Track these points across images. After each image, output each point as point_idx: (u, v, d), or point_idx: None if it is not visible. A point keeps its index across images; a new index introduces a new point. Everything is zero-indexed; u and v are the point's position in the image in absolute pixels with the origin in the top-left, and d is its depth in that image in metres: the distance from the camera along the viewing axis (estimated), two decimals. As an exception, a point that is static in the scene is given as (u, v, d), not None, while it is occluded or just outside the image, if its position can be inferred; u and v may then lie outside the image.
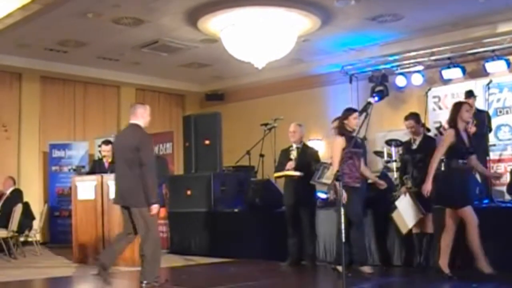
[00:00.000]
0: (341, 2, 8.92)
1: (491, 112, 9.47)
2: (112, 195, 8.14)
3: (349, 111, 6.82)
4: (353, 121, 6.69)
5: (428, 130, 8.71)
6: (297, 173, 7.63)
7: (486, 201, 7.80)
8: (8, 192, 10.33)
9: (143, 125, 6.32)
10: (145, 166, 6.03)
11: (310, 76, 12.81)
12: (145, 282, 6.04)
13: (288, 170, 7.71)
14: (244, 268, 7.70)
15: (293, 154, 7.78)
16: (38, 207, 11.27)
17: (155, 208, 6.07)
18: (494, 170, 9.35)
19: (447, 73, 10.61)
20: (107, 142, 9.38)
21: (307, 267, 7.71)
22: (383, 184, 7.00)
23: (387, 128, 11.06)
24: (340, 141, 6.65)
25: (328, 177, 7.24)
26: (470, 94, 9.08)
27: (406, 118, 7.16)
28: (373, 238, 7.63)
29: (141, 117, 6.31)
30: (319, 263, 7.92)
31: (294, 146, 7.88)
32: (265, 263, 7.04)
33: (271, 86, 13.40)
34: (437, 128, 10.58)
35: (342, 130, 6.73)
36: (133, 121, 6.32)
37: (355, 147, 6.61)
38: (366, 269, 6.67)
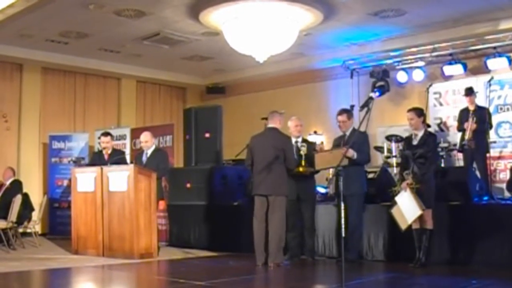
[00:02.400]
0: (343, -3, 8.91)
1: (492, 109, 9.47)
2: (112, 187, 8.19)
3: None
4: None
5: (429, 126, 8.70)
6: (310, 169, 7.59)
7: (486, 198, 7.81)
8: (7, 183, 10.34)
9: (279, 129, 7.42)
10: (288, 162, 7.16)
11: (312, 70, 12.79)
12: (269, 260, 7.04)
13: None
14: (243, 262, 7.69)
15: (303, 151, 7.65)
16: (37, 198, 11.27)
17: None
18: (494, 168, 9.37)
19: (448, 69, 10.60)
20: (106, 134, 9.36)
21: (307, 261, 7.73)
22: None
23: (387, 124, 11.05)
24: None
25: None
26: (470, 91, 9.08)
27: (409, 110, 7.19)
28: (373, 233, 7.65)
29: (279, 122, 7.46)
30: (319, 258, 7.94)
31: (294, 140, 7.83)
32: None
33: (272, 80, 13.38)
34: (438, 124, 10.61)
35: None
36: (271, 125, 7.44)
37: None
38: None
